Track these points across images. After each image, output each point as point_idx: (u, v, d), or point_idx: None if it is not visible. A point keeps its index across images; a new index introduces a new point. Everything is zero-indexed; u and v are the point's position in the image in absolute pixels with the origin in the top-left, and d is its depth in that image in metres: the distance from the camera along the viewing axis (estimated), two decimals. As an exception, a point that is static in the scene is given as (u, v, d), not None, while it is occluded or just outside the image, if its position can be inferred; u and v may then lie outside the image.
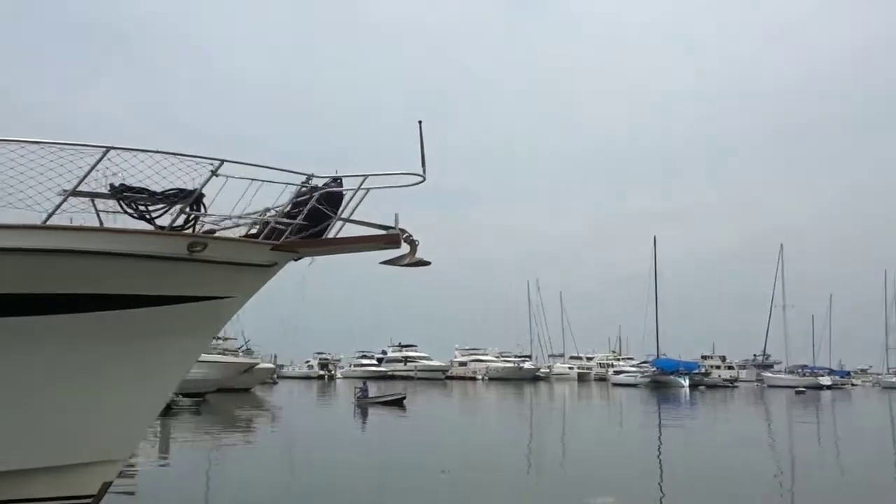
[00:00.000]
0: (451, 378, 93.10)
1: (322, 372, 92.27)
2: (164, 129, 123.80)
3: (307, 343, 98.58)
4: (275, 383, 63.94)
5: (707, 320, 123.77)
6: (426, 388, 62.98)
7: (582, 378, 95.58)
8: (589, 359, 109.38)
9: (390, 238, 8.03)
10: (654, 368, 73.83)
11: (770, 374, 78.68)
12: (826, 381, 71.64)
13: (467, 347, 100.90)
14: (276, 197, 8.14)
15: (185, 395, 28.93)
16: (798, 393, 55.86)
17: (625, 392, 61.75)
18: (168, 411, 26.22)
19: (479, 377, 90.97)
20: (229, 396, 36.69)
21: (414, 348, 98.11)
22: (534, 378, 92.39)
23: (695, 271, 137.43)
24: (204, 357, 36.08)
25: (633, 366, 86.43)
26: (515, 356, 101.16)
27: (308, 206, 8.09)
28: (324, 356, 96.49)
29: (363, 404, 31.70)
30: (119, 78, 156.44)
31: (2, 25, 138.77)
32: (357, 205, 8.30)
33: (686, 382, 66.73)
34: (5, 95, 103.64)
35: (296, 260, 8.50)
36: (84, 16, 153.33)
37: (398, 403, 33.15)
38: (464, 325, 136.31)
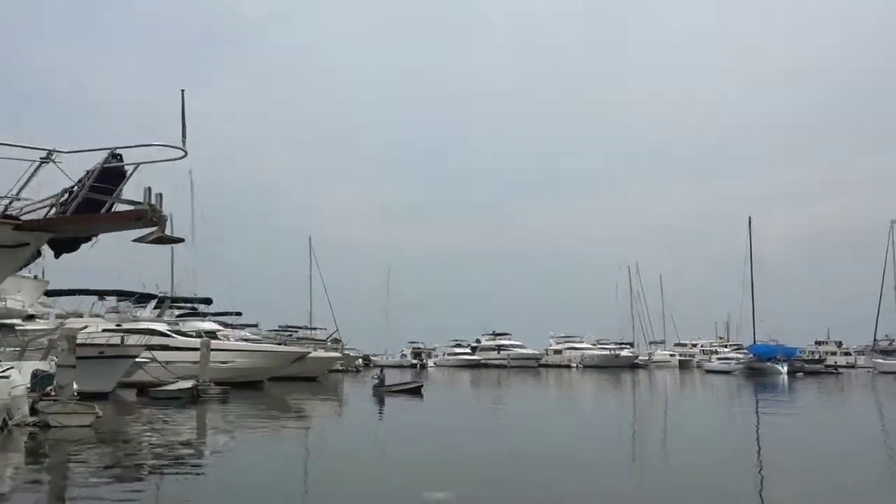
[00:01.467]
0: (545, 366, 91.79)
1: (414, 361, 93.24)
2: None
3: (411, 334, 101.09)
4: (357, 371, 65.15)
5: (831, 304, 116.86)
6: (514, 376, 62.26)
7: (684, 365, 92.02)
8: (693, 345, 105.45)
9: (138, 214, 7.58)
10: (751, 355, 69.63)
11: (881, 360, 72.44)
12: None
13: (562, 335, 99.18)
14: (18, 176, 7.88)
15: (223, 383, 29.67)
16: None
17: (717, 379, 59.01)
18: (196, 399, 27.04)
19: (574, 365, 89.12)
20: (286, 385, 37.39)
21: (508, 336, 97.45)
22: (632, 366, 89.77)
23: (815, 254, 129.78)
24: (242, 346, 37.37)
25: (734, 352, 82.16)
26: (614, 343, 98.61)
27: (84, 184, 7.77)
28: (416, 345, 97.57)
29: (380, 393, 31.46)
30: None
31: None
32: (125, 181, 7.90)
33: (784, 369, 62.63)
34: None
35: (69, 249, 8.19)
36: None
37: (416, 392, 32.67)
38: (564, 312, 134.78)
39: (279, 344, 45.29)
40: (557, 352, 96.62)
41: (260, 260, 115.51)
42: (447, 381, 54.56)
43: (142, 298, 41.45)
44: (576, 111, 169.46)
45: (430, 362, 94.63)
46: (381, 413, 24.73)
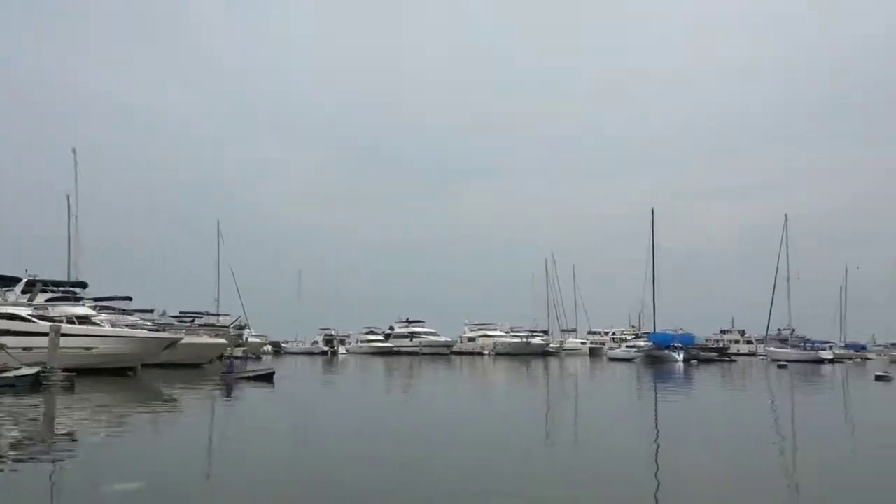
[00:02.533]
0: (458, 353, 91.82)
1: (325, 348, 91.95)
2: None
3: (326, 322, 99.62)
4: (258, 358, 63.55)
5: (745, 295, 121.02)
6: (424, 364, 61.89)
7: (594, 353, 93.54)
8: (605, 334, 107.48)
9: None
10: (650, 343, 71.08)
11: (773, 349, 75.09)
12: (827, 355, 68.21)
13: (476, 323, 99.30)
14: None
15: (89, 370, 28.14)
16: (780, 367, 53.05)
17: (618, 366, 60.01)
18: (38, 387, 25.47)
19: (486, 352, 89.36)
20: (162, 372, 35.92)
21: (421, 324, 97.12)
22: (544, 353, 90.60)
23: (737, 246, 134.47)
24: (107, 332, 35.65)
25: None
26: (528, 331, 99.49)
27: None
28: (328, 332, 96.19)
29: (228, 380, 30.39)
30: None
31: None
32: None
33: (680, 357, 64.08)
34: None
35: None
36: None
37: (267, 379, 31.64)
38: (485, 301, 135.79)
39: (158, 330, 43.52)
40: (471, 339, 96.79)
41: (174, 245, 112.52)
42: (348, 368, 53.76)
43: (8, 282, 39.17)
44: (506, 100, 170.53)
45: (342, 349, 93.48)
46: (219, 402, 23.66)
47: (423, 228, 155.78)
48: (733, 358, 71.90)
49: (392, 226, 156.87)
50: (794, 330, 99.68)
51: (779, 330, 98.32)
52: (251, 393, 26.69)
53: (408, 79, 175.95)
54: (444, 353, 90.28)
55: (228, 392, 26.42)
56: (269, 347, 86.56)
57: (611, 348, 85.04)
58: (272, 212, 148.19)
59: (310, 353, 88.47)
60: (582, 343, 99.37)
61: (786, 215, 79.45)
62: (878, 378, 38.04)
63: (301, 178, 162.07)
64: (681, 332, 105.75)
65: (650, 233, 77.45)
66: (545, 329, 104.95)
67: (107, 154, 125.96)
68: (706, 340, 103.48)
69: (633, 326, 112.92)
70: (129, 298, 53.19)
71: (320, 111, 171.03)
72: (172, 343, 36.68)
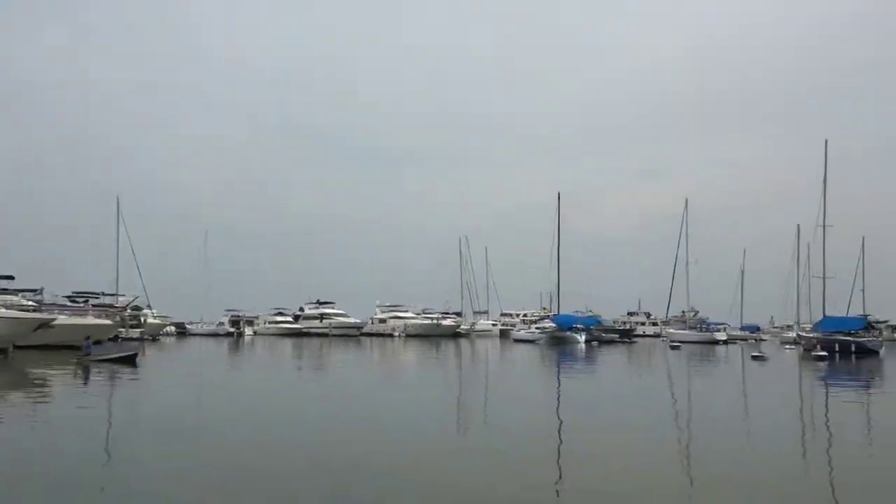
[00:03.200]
0: (368, 335, 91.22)
1: (232, 329, 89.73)
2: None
3: (235, 303, 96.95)
4: (154, 339, 61.28)
5: (656, 278, 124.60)
6: (333, 345, 60.97)
7: (504, 335, 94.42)
8: (517, 315, 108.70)
9: None
10: (553, 325, 72.19)
11: (672, 331, 77.54)
12: (721, 336, 70.76)
13: (388, 304, 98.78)
14: None
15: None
16: (673, 348, 54.69)
17: (522, 347, 60.65)
18: None
19: (396, 334, 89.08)
20: (39, 354, 33.98)
21: (332, 305, 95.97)
22: (455, 335, 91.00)
23: (648, 231, 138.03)
24: None
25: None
26: (440, 313, 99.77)
27: None
28: (235, 313, 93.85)
29: (85, 362, 28.95)
30: None
31: None
32: None
33: (582, 338, 65.25)
34: None
35: None
36: None
37: (129, 361, 30.26)
38: (403, 282, 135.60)
39: (34, 310, 41.14)
40: (382, 321, 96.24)
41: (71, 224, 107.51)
42: (251, 350, 52.41)
43: None
44: (436, 88, 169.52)
45: (250, 330, 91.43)
46: (59, 387, 22.18)
47: (345, 209, 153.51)
48: (634, 339, 73.72)
49: (313, 206, 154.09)
50: (697, 312, 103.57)
51: (683, 312, 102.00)
52: (105, 377, 24.71)
53: (340, 56, 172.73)
54: (353, 334, 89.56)
55: (84, 375, 24.90)
56: (171, 328, 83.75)
57: (517, 330, 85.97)
58: (188, 191, 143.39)
59: (215, 335, 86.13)
60: (493, 324, 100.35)
61: (686, 200, 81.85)
62: (754, 358, 39.56)
63: (223, 159, 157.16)
64: (590, 314, 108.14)
65: (556, 217, 78.45)
66: (458, 311, 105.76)
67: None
68: (613, 322, 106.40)
69: (544, 308, 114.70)
70: (11, 277, 50.21)
71: (247, 87, 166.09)
72: (44, 324, 34.63)
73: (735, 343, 71.87)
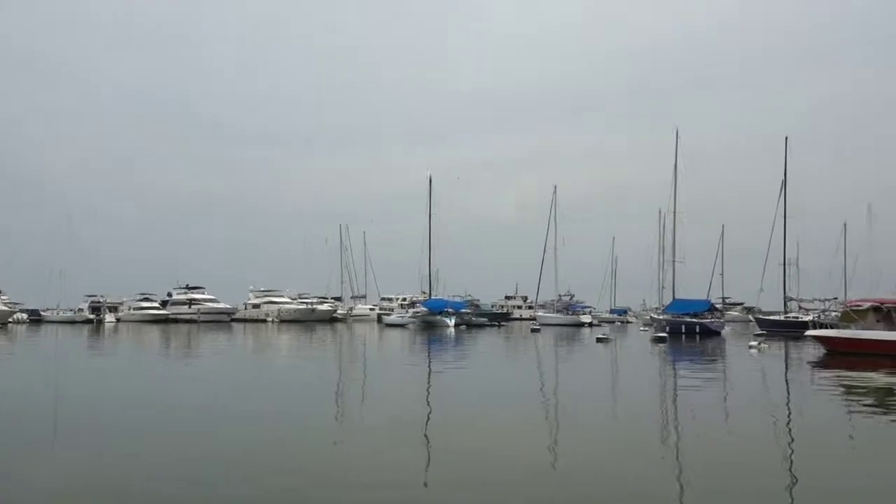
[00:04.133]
0: (241, 321, 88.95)
1: (91, 316, 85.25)
2: None
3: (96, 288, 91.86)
4: (1, 326, 57.36)
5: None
6: (202, 332, 58.68)
7: (382, 319, 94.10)
8: (395, 300, 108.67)
9: None
10: (424, 309, 72.72)
11: (541, 314, 79.77)
12: (587, 319, 73.32)
13: (262, 289, 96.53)
14: None
15: None
16: (534, 331, 56.25)
17: (392, 332, 60.63)
18: None
19: (270, 319, 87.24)
20: None
21: (201, 290, 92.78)
22: (331, 320, 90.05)
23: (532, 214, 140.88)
24: None
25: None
26: (317, 298, 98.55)
27: None
28: (95, 299, 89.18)
29: None
30: None
31: None
32: None
33: (452, 322, 65.95)
34: None
35: None
36: None
37: None
38: (284, 267, 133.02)
39: None
40: (255, 306, 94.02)
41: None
42: (112, 337, 49.85)
43: None
44: (313, 67, 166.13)
45: (112, 317, 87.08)
46: None
47: (220, 189, 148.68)
48: (503, 323, 75.21)
49: (183, 185, 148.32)
50: (573, 296, 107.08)
51: (559, 296, 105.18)
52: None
53: (222, 32, 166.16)
54: (224, 320, 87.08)
55: None
56: (22, 315, 78.72)
57: (388, 314, 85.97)
58: (42, 167, 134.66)
59: (72, 322, 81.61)
60: (370, 309, 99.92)
61: (555, 186, 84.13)
62: (598, 340, 41.19)
63: (86, 137, 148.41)
64: (468, 297, 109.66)
65: (434, 201, 78.84)
66: (338, 296, 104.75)
67: None
68: (492, 306, 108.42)
69: (423, 293, 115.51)
70: None
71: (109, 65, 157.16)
72: None
73: (600, 325, 74.62)
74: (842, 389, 18.79)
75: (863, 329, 29.11)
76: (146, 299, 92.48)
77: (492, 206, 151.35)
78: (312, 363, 27.65)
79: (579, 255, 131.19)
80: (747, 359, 29.57)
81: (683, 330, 50.03)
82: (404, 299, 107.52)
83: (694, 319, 50.96)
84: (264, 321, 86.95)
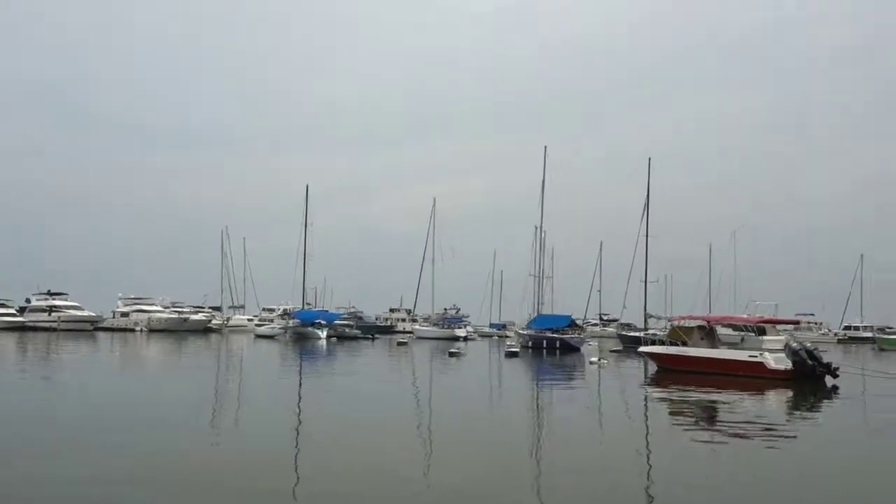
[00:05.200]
0: (107, 329, 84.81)
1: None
2: None
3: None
4: None
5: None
6: (61, 340, 55.32)
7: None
8: (277, 310, 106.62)
9: None
10: (297, 320, 71.73)
11: (418, 327, 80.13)
12: (462, 332, 74.12)
13: (132, 297, 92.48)
14: None
15: None
16: (399, 344, 56.44)
17: (262, 343, 59.47)
18: None
19: (138, 329, 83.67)
20: None
21: (64, 297, 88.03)
22: (206, 330, 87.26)
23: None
24: None
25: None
26: (194, 307, 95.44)
27: None
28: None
29: None
30: None
31: None
32: None
33: (323, 334, 65.20)
34: None
35: None
36: None
37: None
38: (168, 275, 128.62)
39: None
40: (124, 314, 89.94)
41: None
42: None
43: None
44: (199, 64, 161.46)
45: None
46: None
47: (88, 188, 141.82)
48: (377, 336, 74.92)
49: (45, 183, 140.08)
50: (459, 309, 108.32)
51: (445, 309, 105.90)
52: None
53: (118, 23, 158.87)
54: (87, 328, 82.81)
55: None
56: None
57: (259, 325, 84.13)
58: None
59: None
60: (249, 320, 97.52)
61: (434, 199, 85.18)
62: (451, 354, 41.65)
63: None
64: (353, 309, 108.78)
65: (304, 211, 78.32)
66: (218, 305, 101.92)
67: None
68: (376, 318, 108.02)
69: (308, 304, 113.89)
70: None
71: None
72: None
73: (475, 339, 75.55)
74: (649, 402, 19.60)
75: (689, 346, 30.54)
76: (2, 305, 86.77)
77: (388, 217, 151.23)
78: (142, 376, 26.63)
79: (471, 267, 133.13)
80: (584, 374, 30.56)
81: (545, 345, 51.26)
82: (286, 310, 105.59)
83: (555, 335, 52.27)
84: (132, 330, 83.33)
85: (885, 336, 76.70)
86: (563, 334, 52.76)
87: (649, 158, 60.39)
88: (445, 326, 78.17)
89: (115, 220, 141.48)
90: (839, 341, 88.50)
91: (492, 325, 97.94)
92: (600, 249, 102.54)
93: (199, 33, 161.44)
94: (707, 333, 30.52)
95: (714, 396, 21.58)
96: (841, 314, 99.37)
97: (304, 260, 77.49)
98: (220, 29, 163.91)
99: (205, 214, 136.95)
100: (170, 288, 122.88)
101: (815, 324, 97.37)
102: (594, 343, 60.34)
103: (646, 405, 20.08)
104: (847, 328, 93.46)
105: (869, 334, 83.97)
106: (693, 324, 31.95)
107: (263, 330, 75.91)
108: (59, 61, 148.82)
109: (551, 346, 51.09)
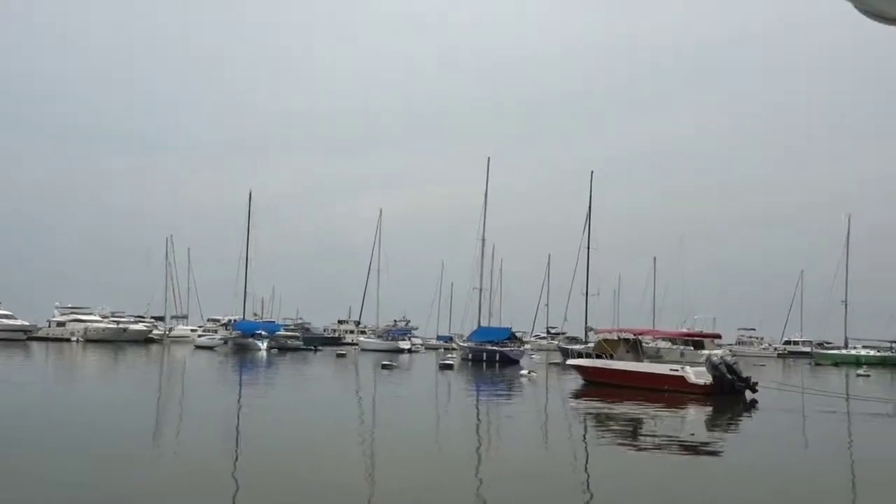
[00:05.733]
0: (41, 339, 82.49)
1: None
2: None
3: None
4: None
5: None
6: None
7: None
8: (222, 321, 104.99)
9: None
10: (237, 331, 70.78)
11: (362, 339, 79.82)
12: (406, 345, 73.86)
13: (69, 306, 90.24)
14: None
15: None
16: (339, 356, 56.10)
17: (202, 354, 58.57)
18: None
19: (74, 339, 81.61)
20: None
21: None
22: (146, 340, 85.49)
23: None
24: None
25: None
26: (135, 317, 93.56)
27: None
28: None
29: None
30: None
31: None
32: None
33: (264, 345, 64.34)
34: None
35: None
36: None
37: None
38: (104, 285, 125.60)
39: None
40: (61, 324, 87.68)
41: None
42: None
43: None
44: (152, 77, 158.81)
45: None
46: None
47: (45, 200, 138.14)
48: (319, 347, 74.09)
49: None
50: (409, 321, 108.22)
51: (395, 321, 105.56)
52: None
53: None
54: (19, 338, 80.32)
55: None
56: None
57: (200, 335, 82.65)
58: None
59: None
60: (192, 330, 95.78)
61: (381, 210, 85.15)
62: (384, 367, 41.33)
63: None
64: (300, 320, 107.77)
65: (247, 219, 77.68)
66: (161, 315, 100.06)
67: None
68: (324, 330, 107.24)
69: (255, 315, 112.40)
70: None
71: None
72: None
73: (419, 351, 75.46)
74: (562, 415, 19.67)
75: (615, 359, 30.79)
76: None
77: (342, 227, 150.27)
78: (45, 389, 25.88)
79: (423, 278, 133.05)
80: (511, 386, 30.62)
81: (484, 357, 51.36)
82: (232, 320, 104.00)
83: (494, 347, 52.39)
84: (68, 340, 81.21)
85: (821, 351, 78.67)
86: (502, 347, 52.90)
87: (591, 172, 61.26)
88: (390, 338, 77.82)
89: (56, 226, 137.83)
90: (779, 356, 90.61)
91: (439, 338, 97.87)
92: (548, 263, 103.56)
93: (150, 33, 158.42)
94: (632, 346, 30.81)
95: (627, 410, 21.78)
96: (782, 329, 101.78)
97: (247, 269, 76.54)
98: (169, 30, 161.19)
99: (150, 221, 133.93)
100: (113, 297, 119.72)
101: (757, 338, 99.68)
102: (537, 356, 60.69)
103: (547, 418, 20.17)
104: (787, 343, 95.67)
105: (808, 349, 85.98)
106: (617, 336, 32.26)
107: (203, 341, 74.58)
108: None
109: (490, 358, 51.20)
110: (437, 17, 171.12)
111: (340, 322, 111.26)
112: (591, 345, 58.49)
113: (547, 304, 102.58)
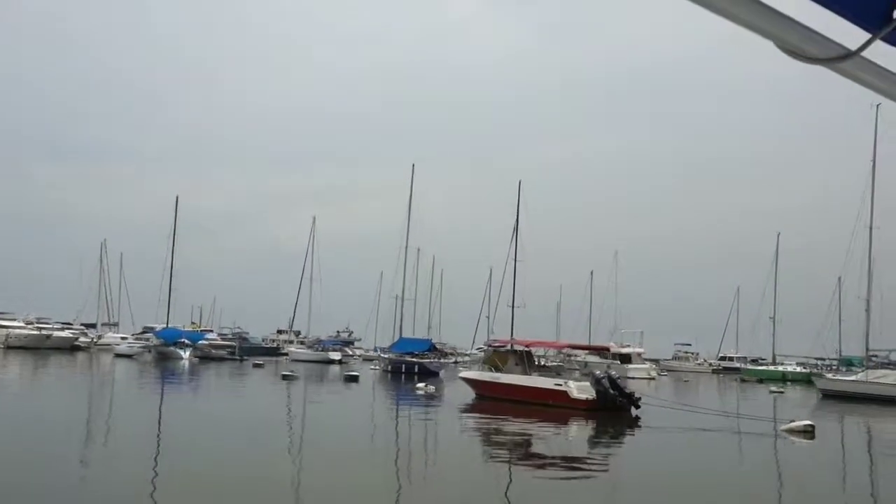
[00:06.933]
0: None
1: None
2: None
3: None
4: None
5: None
6: None
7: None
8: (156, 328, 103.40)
9: None
10: (159, 339, 69.98)
11: (293, 349, 79.60)
12: (336, 355, 73.78)
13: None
14: None
15: None
16: (256, 366, 55.83)
17: (120, 362, 57.79)
18: None
19: (-6, 346, 79.68)
20: None
21: None
22: (72, 348, 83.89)
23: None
24: None
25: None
26: (62, 324, 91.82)
27: None
28: None
29: None
30: None
31: None
32: None
33: (187, 354, 63.66)
34: None
35: None
36: None
37: None
38: (35, 291, 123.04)
39: None
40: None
41: None
42: None
43: None
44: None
45: None
46: None
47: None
48: (245, 357, 73.34)
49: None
50: (351, 332, 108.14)
51: (338, 332, 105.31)
52: None
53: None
54: (-70, 345, 78.24)
55: None
56: None
57: (118, 344, 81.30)
58: None
59: None
60: (123, 338, 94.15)
61: (314, 217, 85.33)
62: (284, 377, 41.12)
63: None
64: (238, 330, 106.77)
65: (173, 225, 77.15)
66: (93, 322, 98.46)
67: None
68: (262, 340, 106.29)
69: (193, 324, 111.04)
70: None
71: None
72: None
73: (350, 362, 75.37)
74: (440, 431, 19.92)
75: (503, 372, 30.93)
76: None
77: (287, 237, 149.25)
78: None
79: (368, 289, 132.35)
80: (400, 398, 30.85)
81: (404, 369, 51.46)
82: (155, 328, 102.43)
83: (414, 359, 52.52)
84: (-13, 347, 79.26)
85: (748, 367, 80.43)
86: (422, 358, 53.05)
87: (519, 182, 61.97)
88: (320, 349, 77.63)
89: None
90: (714, 371, 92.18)
91: (376, 349, 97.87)
92: (490, 274, 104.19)
93: (85, 39, 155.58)
94: (520, 359, 31.01)
95: (504, 425, 22.08)
96: (718, 344, 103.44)
97: (171, 275, 75.85)
98: (104, 36, 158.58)
99: (82, 227, 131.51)
100: (45, 303, 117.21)
101: (692, 353, 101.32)
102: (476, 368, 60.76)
103: (418, 431, 20.43)
104: (722, 358, 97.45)
105: (739, 365, 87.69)
106: (506, 348, 32.55)
107: (122, 349, 73.28)
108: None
109: (410, 370, 51.27)
110: (379, 28, 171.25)
111: (280, 332, 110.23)
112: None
113: (488, 316, 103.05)
